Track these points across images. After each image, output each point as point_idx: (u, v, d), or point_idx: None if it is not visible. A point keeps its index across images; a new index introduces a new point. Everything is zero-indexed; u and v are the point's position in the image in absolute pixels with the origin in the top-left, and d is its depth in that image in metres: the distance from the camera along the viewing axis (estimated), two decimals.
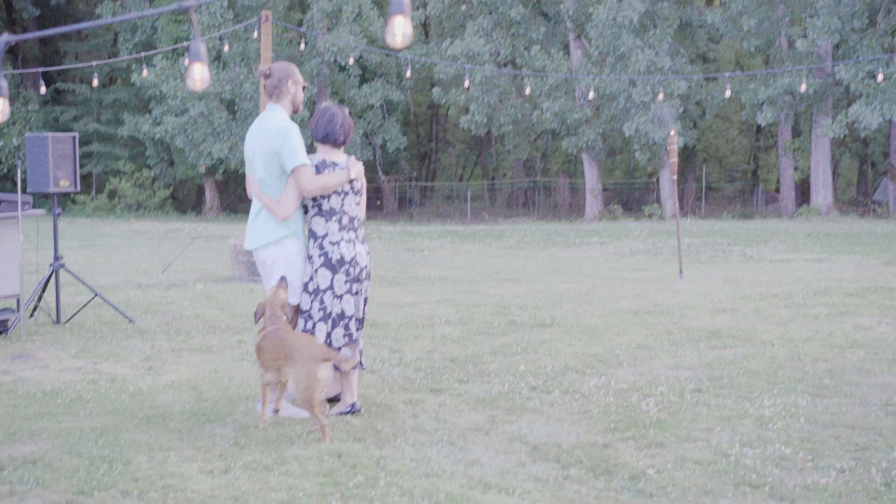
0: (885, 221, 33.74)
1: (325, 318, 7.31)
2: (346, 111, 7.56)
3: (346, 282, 7.30)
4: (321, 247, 7.32)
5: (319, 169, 7.30)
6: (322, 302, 7.30)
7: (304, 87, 7.61)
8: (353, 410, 7.32)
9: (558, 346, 10.09)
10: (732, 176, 53.38)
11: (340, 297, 7.30)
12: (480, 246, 24.80)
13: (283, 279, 7.22)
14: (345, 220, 7.37)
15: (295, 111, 7.56)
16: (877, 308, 12.59)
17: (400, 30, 4.51)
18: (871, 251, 21.32)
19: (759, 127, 48.73)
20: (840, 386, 8.17)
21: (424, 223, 39.79)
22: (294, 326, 7.26)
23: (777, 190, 46.46)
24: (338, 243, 7.31)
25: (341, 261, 7.30)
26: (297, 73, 7.58)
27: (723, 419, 7.15)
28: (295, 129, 7.31)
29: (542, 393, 8.02)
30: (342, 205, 7.36)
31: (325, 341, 7.30)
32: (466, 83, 28.90)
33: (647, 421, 7.10)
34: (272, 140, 7.27)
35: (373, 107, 42.71)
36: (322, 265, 7.31)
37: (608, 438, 6.67)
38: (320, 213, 7.35)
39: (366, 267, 7.48)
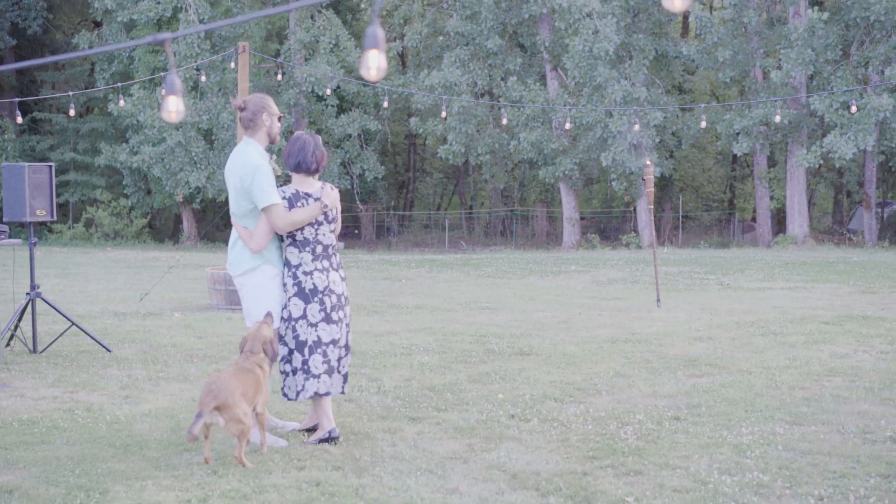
0: (860, 250, 33.96)
1: (299, 348, 7.34)
2: (319, 140, 7.58)
3: (320, 310, 7.33)
4: (294, 276, 7.38)
5: (292, 202, 7.33)
6: (295, 331, 7.34)
7: (279, 118, 7.65)
8: (331, 437, 7.31)
9: (536, 375, 10.09)
10: (709, 205, 53.61)
11: (315, 325, 7.33)
12: (458, 275, 24.81)
13: (268, 315, 7.24)
14: (318, 250, 7.42)
15: (272, 142, 7.60)
16: (853, 336, 12.65)
17: (374, 63, 4.55)
18: (846, 280, 21.44)
19: (734, 157, 49.00)
20: (817, 413, 8.20)
21: (402, 252, 39.78)
22: (274, 359, 7.22)
23: (753, 219, 46.68)
24: (311, 273, 7.36)
25: (314, 290, 7.34)
26: (272, 104, 7.61)
27: (701, 447, 7.17)
28: (265, 167, 7.35)
29: (520, 421, 8.02)
30: (316, 235, 7.41)
31: (302, 368, 7.33)
32: (444, 113, 29.08)
33: (625, 449, 7.11)
34: (242, 178, 7.36)
35: (350, 136, 42.77)
36: (295, 294, 7.35)
37: (587, 466, 6.68)
38: (294, 243, 7.40)
39: (343, 293, 7.50)
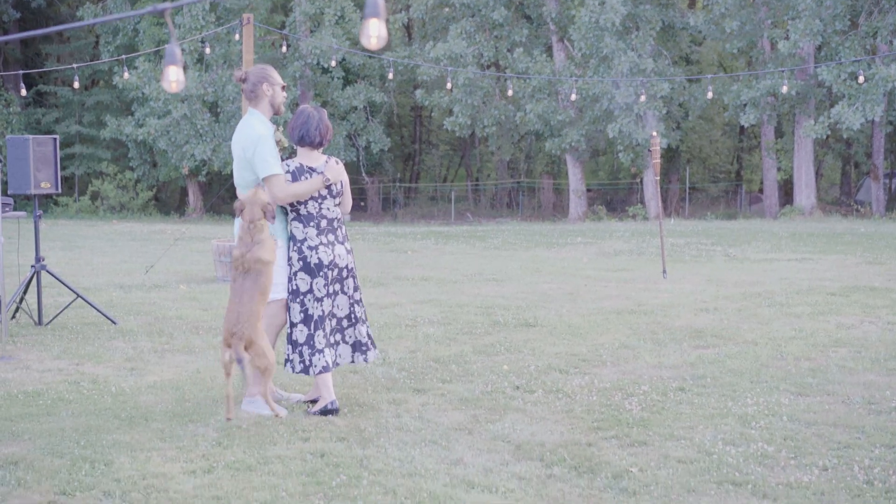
0: (867, 221, 33.89)
1: (305, 321, 7.34)
2: (324, 113, 7.56)
3: (324, 285, 7.33)
4: (300, 251, 7.37)
5: (296, 175, 7.33)
6: (303, 305, 7.34)
7: (283, 88, 7.63)
8: (330, 409, 7.30)
9: (541, 346, 10.08)
10: (716, 177, 53.54)
11: (321, 299, 7.33)
12: (464, 246, 24.80)
13: (259, 184, 7.26)
14: (323, 224, 7.39)
15: (276, 112, 7.59)
16: (859, 307, 12.63)
17: (374, 32, 4.54)
18: (853, 251, 21.39)
19: (742, 128, 48.90)
20: (823, 384, 8.19)
21: (408, 224, 39.77)
22: (271, 220, 7.19)
23: (760, 190, 46.62)
24: (316, 248, 7.34)
25: (319, 265, 7.33)
26: (274, 74, 7.59)
27: (706, 418, 7.16)
28: (267, 138, 7.36)
29: (525, 392, 8.01)
30: (319, 209, 7.38)
31: (308, 343, 7.32)
32: (449, 85, 28.95)
33: (630, 420, 7.10)
34: (245, 148, 7.39)
35: (356, 108, 42.70)
36: (301, 269, 7.35)
37: (591, 437, 6.67)
38: (298, 217, 7.39)
39: (346, 266, 7.48)
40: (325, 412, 7.30)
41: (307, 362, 7.36)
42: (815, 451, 6.32)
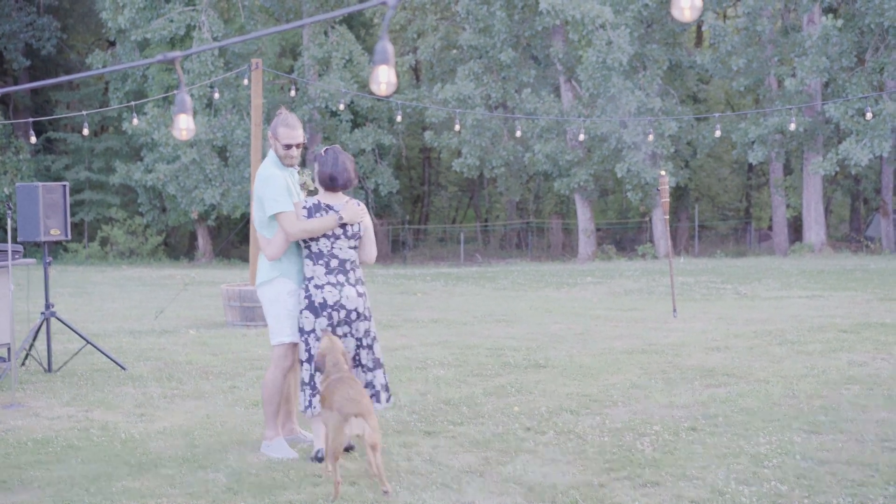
0: (877, 257, 33.81)
1: (309, 361, 7.32)
2: (346, 157, 7.46)
3: (328, 325, 7.30)
4: (307, 289, 7.36)
5: (312, 212, 7.32)
6: (307, 343, 7.32)
7: (289, 146, 7.58)
8: (317, 457, 7.29)
9: (552, 387, 10.05)
10: (725, 214, 53.50)
11: (319, 339, 7.30)
12: (474, 288, 24.78)
13: (327, 327, 7.23)
14: (333, 264, 7.36)
15: (282, 161, 7.59)
16: (871, 344, 12.58)
17: (384, 78, 4.58)
18: (864, 287, 21.34)
19: (750, 165, 48.88)
20: (835, 422, 8.14)
21: (418, 266, 39.77)
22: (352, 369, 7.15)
23: (770, 228, 46.55)
24: (322, 287, 7.31)
25: (323, 304, 7.30)
26: (281, 131, 7.57)
27: (718, 457, 7.12)
28: (276, 177, 7.42)
29: (536, 434, 7.98)
30: (331, 248, 7.36)
31: (310, 382, 7.30)
32: (457, 126, 29.05)
33: (642, 460, 7.06)
34: (257, 187, 7.49)
35: (365, 151, 42.79)
36: (306, 307, 7.34)
37: (603, 478, 6.63)
38: (310, 255, 7.39)
39: (356, 309, 7.42)
40: (313, 459, 7.29)
41: (307, 403, 7.34)
42: (829, 489, 6.27)
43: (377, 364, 7.55)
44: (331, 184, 7.38)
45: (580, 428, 8.13)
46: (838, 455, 7.12)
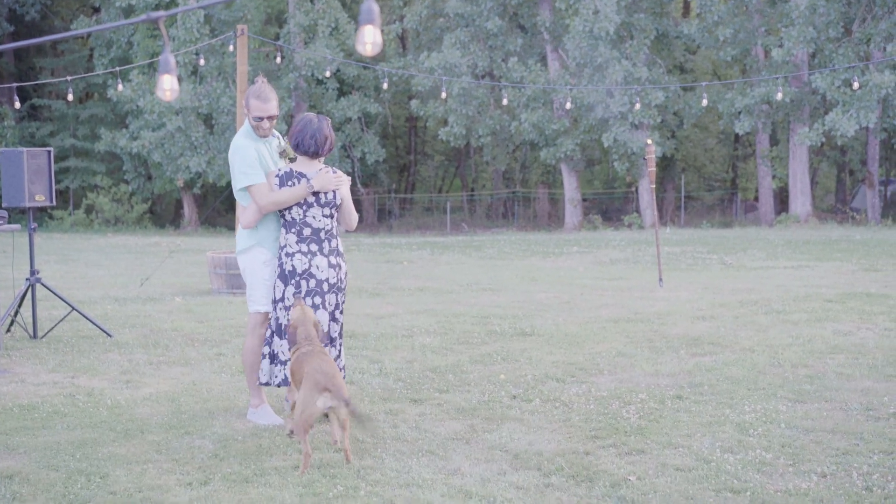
0: (863, 228, 33.91)
1: (278, 331, 7.28)
2: (325, 123, 7.31)
3: (294, 294, 7.20)
4: (279, 257, 7.31)
5: (283, 180, 7.24)
6: (276, 312, 7.29)
7: (257, 118, 7.42)
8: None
9: (538, 355, 10.06)
10: (711, 185, 53.52)
11: (288, 308, 7.21)
12: (460, 256, 24.78)
13: (297, 294, 7.16)
14: (306, 232, 7.26)
15: (255, 132, 7.48)
16: (856, 314, 12.62)
17: (370, 38, 4.55)
18: (849, 258, 21.41)
19: (737, 136, 48.89)
20: (820, 391, 8.17)
21: (404, 235, 39.76)
22: (323, 341, 7.02)
23: (756, 199, 46.63)
24: (292, 255, 7.24)
25: (292, 272, 7.22)
26: (254, 101, 7.44)
27: (703, 425, 7.14)
28: (245, 148, 7.35)
29: (522, 401, 7.99)
30: (304, 216, 7.24)
31: (270, 353, 7.28)
32: (444, 95, 28.96)
33: (627, 428, 7.08)
34: (230, 158, 7.48)
35: (351, 120, 42.69)
36: (278, 276, 7.30)
37: (589, 446, 6.65)
38: (284, 223, 7.32)
39: (327, 280, 7.29)
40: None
41: (269, 373, 7.30)
42: (814, 457, 6.30)
43: (339, 336, 7.50)
44: (297, 150, 7.31)
45: (566, 396, 8.14)
46: (823, 423, 7.14)
